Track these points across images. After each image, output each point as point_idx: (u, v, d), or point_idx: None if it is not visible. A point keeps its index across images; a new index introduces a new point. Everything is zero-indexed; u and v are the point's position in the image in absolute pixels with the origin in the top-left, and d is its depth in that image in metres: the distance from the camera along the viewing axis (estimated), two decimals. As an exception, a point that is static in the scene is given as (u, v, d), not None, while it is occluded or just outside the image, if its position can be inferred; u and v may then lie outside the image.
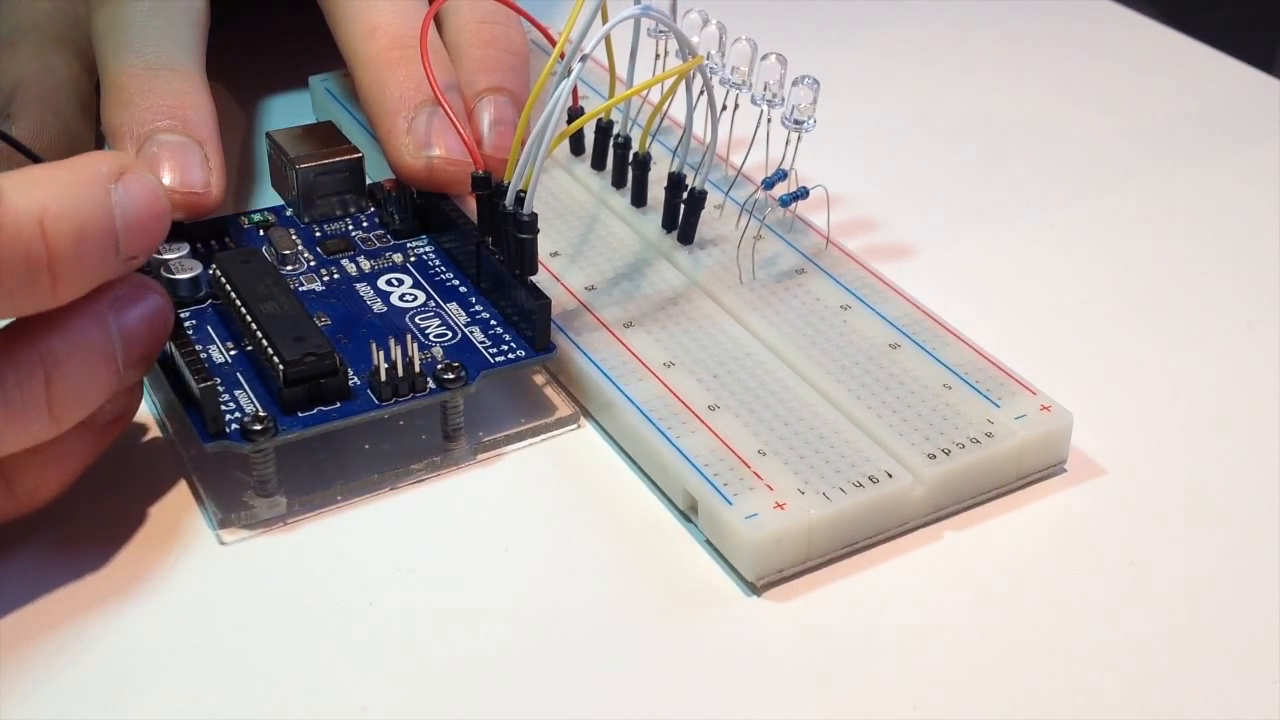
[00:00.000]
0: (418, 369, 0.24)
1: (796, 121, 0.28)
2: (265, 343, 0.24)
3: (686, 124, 0.28)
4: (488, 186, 0.26)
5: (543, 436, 0.26)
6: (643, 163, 0.29)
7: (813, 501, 0.23)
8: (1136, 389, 0.27)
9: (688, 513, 0.24)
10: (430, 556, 0.23)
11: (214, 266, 0.26)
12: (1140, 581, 0.23)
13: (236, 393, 0.24)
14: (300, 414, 0.24)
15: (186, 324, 0.25)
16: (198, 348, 0.24)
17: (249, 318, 0.24)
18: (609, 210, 0.30)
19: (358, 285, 0.27)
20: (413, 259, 0.28)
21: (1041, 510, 0.24)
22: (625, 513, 0.24)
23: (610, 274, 0.28)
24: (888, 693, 0.21)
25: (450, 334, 0.26)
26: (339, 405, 0.24)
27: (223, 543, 0.23)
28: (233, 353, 0.25)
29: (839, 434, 0.24)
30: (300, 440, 0.23)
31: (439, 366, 0.24)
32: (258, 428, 0.23)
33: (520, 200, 0.25)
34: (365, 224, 0.29)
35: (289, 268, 0.27)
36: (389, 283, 0.27)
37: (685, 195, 0.28)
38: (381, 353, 0.24)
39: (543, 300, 0.25)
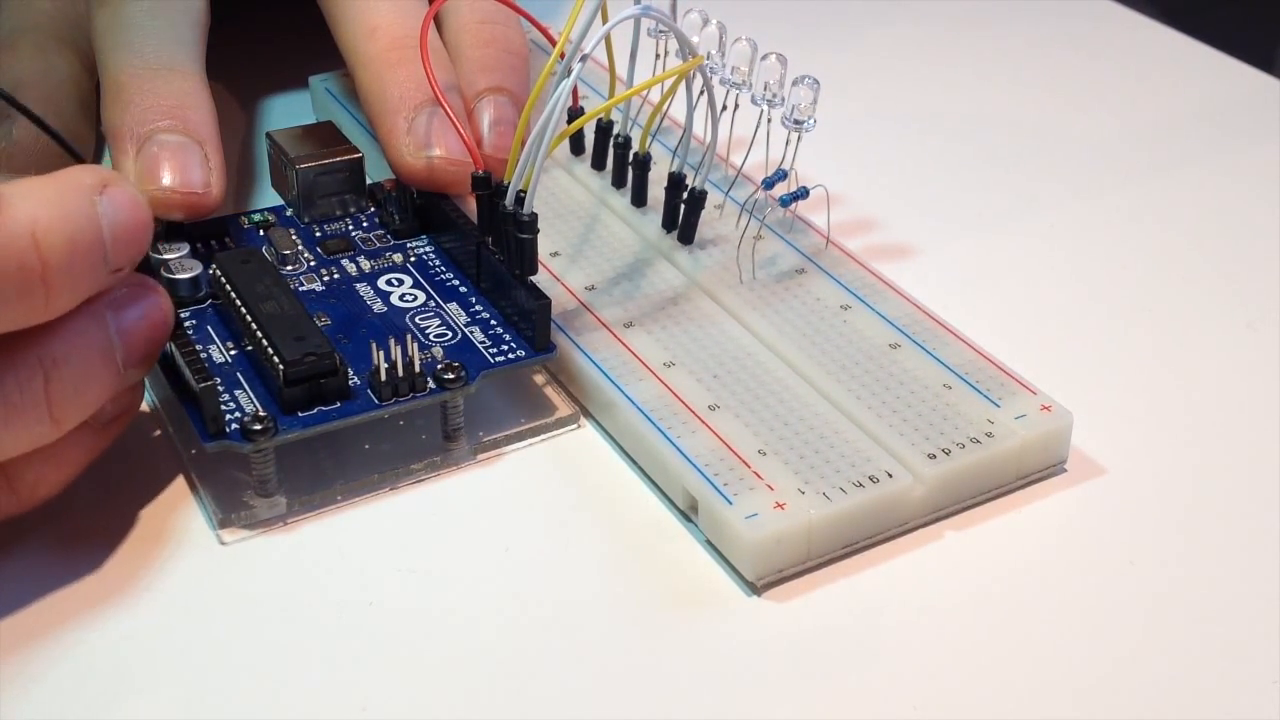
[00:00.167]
0: (418, 369, 0.24)
1: (796, 121, 0.28)
2: (265, 342, 0.24)
3: (686, 124, 0.28)
4: (488, 186, 0.26)
5: (543, 436, 0.26)
6: (643, 163, 0.29)
7: (813, 501, 0.23)
8: (1137, 389, 0.27)
9: (688, 512, 0.24)
10: (430, 556, 0.23)
11: (214, 266, 0.26)
12: (1140, 581, 0.23)
13: (236, 392, 0.24)
14: (300, 414, 0.24)
15: (186, 324, 0.25)
16: (198, 347, 0.24)
17: (249, 317, 0.24)
18: (609, 210, 0.30)
19: (358, 285, 0.27)
20: (413, 259, 0.28)
21: (1041, 510, 0.24)
22: (625, 512, 0.24)
23: (610, 274, 0.28)
24: (888, 693, 0.21)
25: (450, 334, 0.26)
26: (339, 405, 0.24)
27: (223, 543, 0.23)
28: (233, 353, 0.25)
29: (839, 434, 0.24)
30: (300, 440, 0.23)
31: (439, 366, 0.24)
32: (258, 428, 0.23)
33: (520, 200, 0.25)
34: (365, 224, 0.29)
35: (289, 268, 0.27)
36: (389, 283, 0.27)
37: (685, 195, 0.28)
38: (381, 353, 0.24)
39: (543, 300, 0.25)
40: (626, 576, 0.23)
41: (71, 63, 0.30)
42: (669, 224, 0.29)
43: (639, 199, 0.30)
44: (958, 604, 0.22)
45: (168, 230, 0.27)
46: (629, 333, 0.26)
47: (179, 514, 0.24)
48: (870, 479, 0.23)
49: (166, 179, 0.26)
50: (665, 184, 0.29)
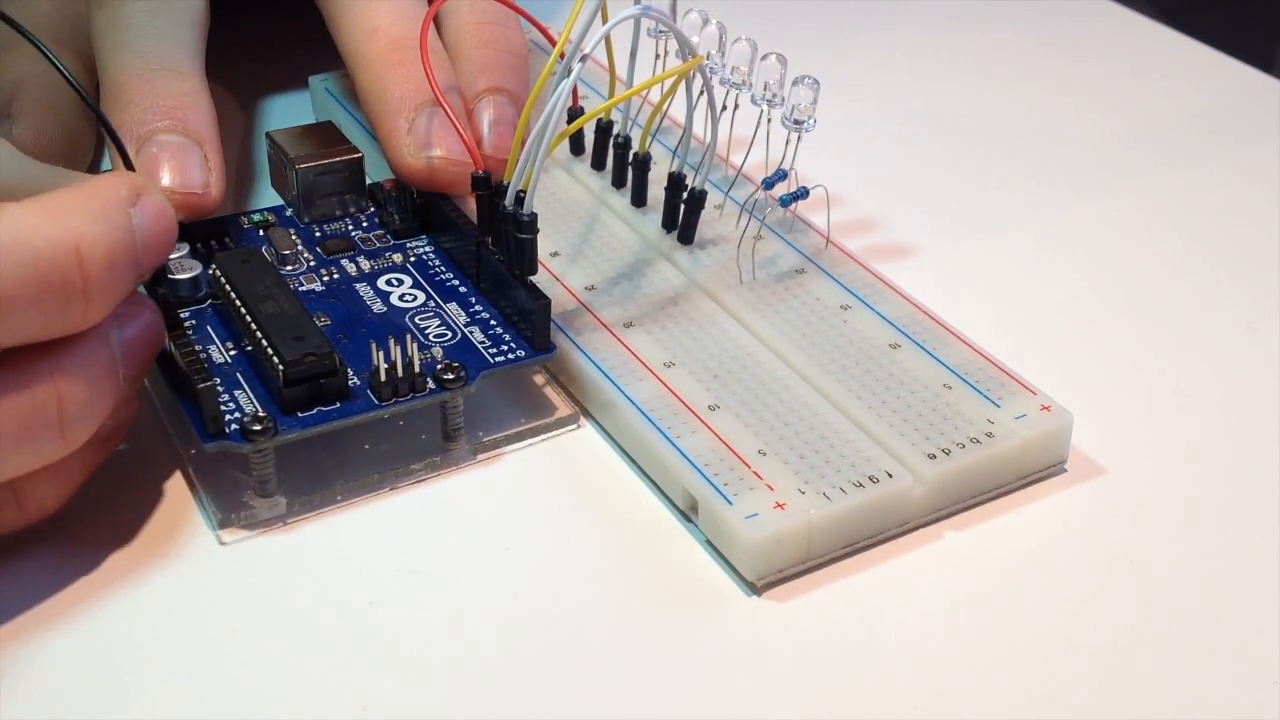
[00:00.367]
0: (417, 369, 0.24)
1: (796, 121, 0.28)
2: (265, 343, 0.24)
3: (686, 124, 0.28)
4: (487, 186, 0.26)
5: (543, 436, 0.26)
6: (643, 163, 0.29)
7: (813, 501, 0.23)
8: (1136, 389, 0.27)
9: (688, 513, 0.24)
10: (430, 556, 0.23)
11: (214, 266, 0.26)
12: (1140, 581, 0.23)
13: (236, 393, 0.24)
14: (300, 414, 0.24)
15: (186, 324, 0.25)
16: (198, 348, 0.24)
17: (249, 318, 0.24)
18: (609, 210, 0.30)
19: (357, 285, 0.27)
20: (412, 259, 0.28)
21: (1042, 510, 0.24)
22: (625, 513, 0.24)
23: (610, 274, 0.28)
24: (889, 693, 0.21)
25: (450, 334, 0.26)
26: (339, 405, 0.24)
27: (222, 543, 0.23)
28: (232, 353, 0.25)
29: (839, 434, 0.24)
30: (300, 440, 0.23)
31: (439, 366, 0.24)
32: (257, 428, 0.23)
33: (520, 200, 0.25)
34: (365, 224, 0.29)
35: (289, 268, 0.27)
36: (389, 283, 0.27)
37: (685, 195, 0.28)
38: (381, 353, 0.24)
39: (542, 300, 0.25)
40: (626, 576, 0.23)
41: (71, 63, 0.30)
42: (669, 224, 0.29)
43: (639, 199, 0.30)
44: (958, 604, 0.22)
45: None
46: (629, 333, 0.26)
47: (179, 514, 0.24)
48: (870, 479, 0.23)
49: (166, 179, 0.26)
50: (665, 184, 0.29)
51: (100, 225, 0.21)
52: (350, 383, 0.24)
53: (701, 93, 0.27)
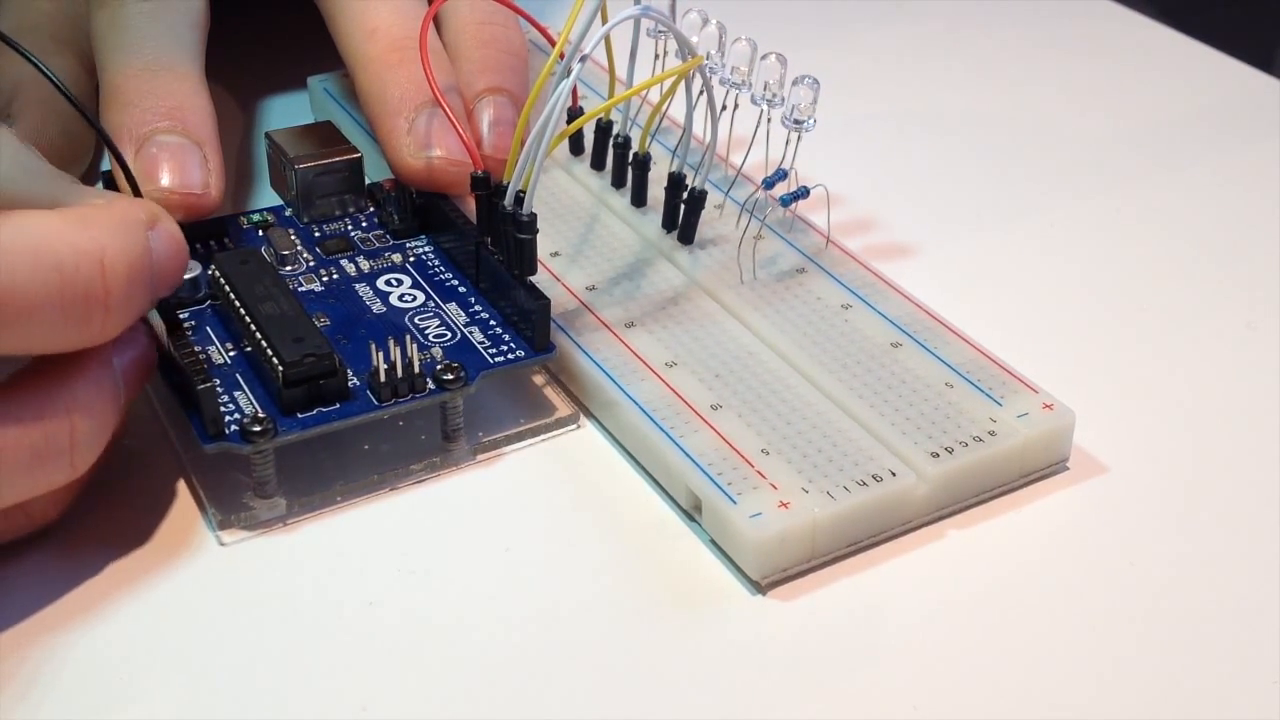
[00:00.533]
0: (417, 369, 0.24)
1: (796, 121, 0.28)
2: (264, 343, 0.24)
3: (686, 124, 0.28)
4: (487, 186, 0.26)
5: (543, 437, 0.25)
6: (642, 163, 0.29)
7: (817, 500, 0.23)
8: (1138, 388, 0.27)
9: (691, 512, 0.24)
10: (430, 556, 0.23)
11: (213, 267, 0.26)
12: (1141, 579, 0.23)
13: (236, 394, 0.24)
14: (300, 415, 0.23)
15: (186, 324, 0.25)
16: (197, 348, 0.24)
17: (248, 318, 0.24)
18: (609, 210, 0.30)
19: (357, 285, 0.27)
20: (412, 259, 0.28)
21: (1044, 508, 0.24)
22: (628, 512, 0.24)
23: (611, 274, 0.28)
24: (894, 691, 0.21)
25: (450, 334, 0.26)
26: (338, 406, 0.24)
27: (222, 544, 0.23)
28: (232, 353, 0.25)
29: (842, 433, 0.24)
30: (300, 441, 0.23)
31: (438, 367, 0.24)
32: (257, 429, 0.23)
33: (520, 200, 0.25)
34: (364, 224, 0.29)
35: (288, 268, 0.27)
36: (388, 283, 0.27)
37: (685, 195, 0.28)
38: (381, 353, 0.24)
39: (542, 300, 0.25)
40: (629, 576, 0.23)
41: (71, 63, 0.30)
42: (669, 224, 0.29)
43: (639, 199, 0.30)
44: (961, 602, 0.22)
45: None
46: (630, 332, 0.26)
47: (179, 515, 0.24)
48: (874, 478, 0.23)
49: (165, 180, 0.26)
50: (665, 184, 0.29)
51: (122, 239, 0.21)
52: (350, 383, 0.24)
53: (701, 93, 0.27)
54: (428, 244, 0.28)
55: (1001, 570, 0.23)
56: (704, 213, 0.28)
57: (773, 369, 0.25)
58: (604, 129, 0.31)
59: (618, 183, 0.30)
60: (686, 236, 0.29)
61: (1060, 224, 0.32)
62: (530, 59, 0.31)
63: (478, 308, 0.26)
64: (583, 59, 0.24)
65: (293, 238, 0.28)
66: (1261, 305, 0.29)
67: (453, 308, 0.26)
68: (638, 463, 0.25)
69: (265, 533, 0.23)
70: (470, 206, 0.27)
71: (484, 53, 0.29)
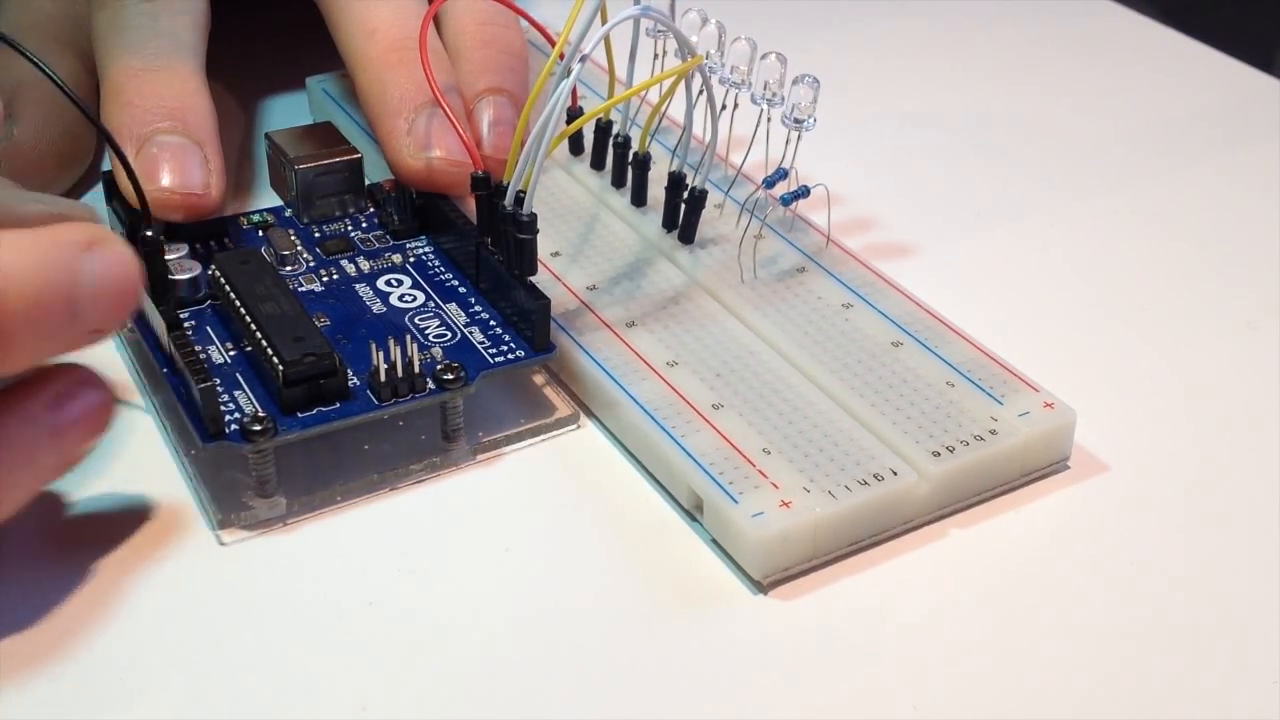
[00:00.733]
0: (417, 369, 0.24)
1: (796, 120, 0.28)
2: (265, 343, 0.24)
3: (686, 123, 0.28)
4: (487, 187, 0.26)
5: (543, 436, 0.25)
6: (642, 162, 0.29)
7: (818, 499, 0.22)
8: (1138, 387, 0.27)
9: (693, 511, 0.24)
10: (430, 556, 0.23)
11: (213, 267, 0.26)
12: (1142, 578, 0.23)
13: (236, 393, 0.24)
14: (300, 414, 0.23)
15: (186, 325, 0.25)
16: (197, 348, 0.24)
17: (248, 318, 0.24)
18: (609, 210, 0.30)
19: (357, 286, 0.27)
20: (412, 259, 0.28)
21: (1045, 507, 0.24)
22: (628, 512, 0.24)
23: (611, 274, 0.28)
24: (894, 691, 0.21)
25: (450, 334, 0.26)
26: (338, 406, 0.24)
27: (222, 543, 0.23)
28: (232, 353, 0.25)
29: (843, 432, 0.24)
30: (300, 440, 0.23)
31: (438, 367, 0.24)
32: (257, 428, 0.23)
33: (520, 200, 0.25)
34: (364, 224, 0.29)
35: (288, 268, 0.27)
36: (388, 283, 0.27)
37: (686, 195, 0.28)
38: (381, 353, 0.24)
39: (542, 300, 0.25)
40: (630, 575, 0.23)
41: (72, 63, 0.30)
42: (669, 224, 0.29)
43: (639, 199, 0.30)
44: (962, 602, 0.22)
45: (167, 231, 0.26)
46: (631, 332, 0.26)
47: (178, 515, 0.24)
48: (875, 477, 0.23)
49: (166, 180, 0.26)
50: (665, 184, 0.28)
51: (28, 260, 0.19)
52: (350, 383, 0.24)
53: (701, 92, 0.27)
54: (428, 244, 0.28)
55: (1002, 569, 0.23)
56: (704, 212, 0.28)
57: (774, 368, 0.25)
58: (604, 129, 0.31)
59: (618, 182, 0.30)
60: (687, 236, 0.28)
61: (1061, 223, 0.32)
62: (530, 59, 0.31)
63: (478, 308, 0.26)
64: (583, 59, 0.24)
65: (293, 238, 0.28)
66: (1262, 305, 0.29)
67: (453, 308, 0.26)
68: (639, 462, 0.25)
69: (265, 532, 0.23)
70: (470, 207, 0.27)
71: (484, 53, 0.29)
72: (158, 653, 0.21)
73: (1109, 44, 0.40)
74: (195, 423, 0.23)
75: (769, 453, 0.23)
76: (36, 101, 0.29)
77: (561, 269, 0.28)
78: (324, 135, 0.29)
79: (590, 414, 0.26)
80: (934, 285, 0.28)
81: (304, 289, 0.27)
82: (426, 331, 0.26)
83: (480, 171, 0.26)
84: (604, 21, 0.25)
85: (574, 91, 0.31)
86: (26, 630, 0.22)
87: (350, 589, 0.22)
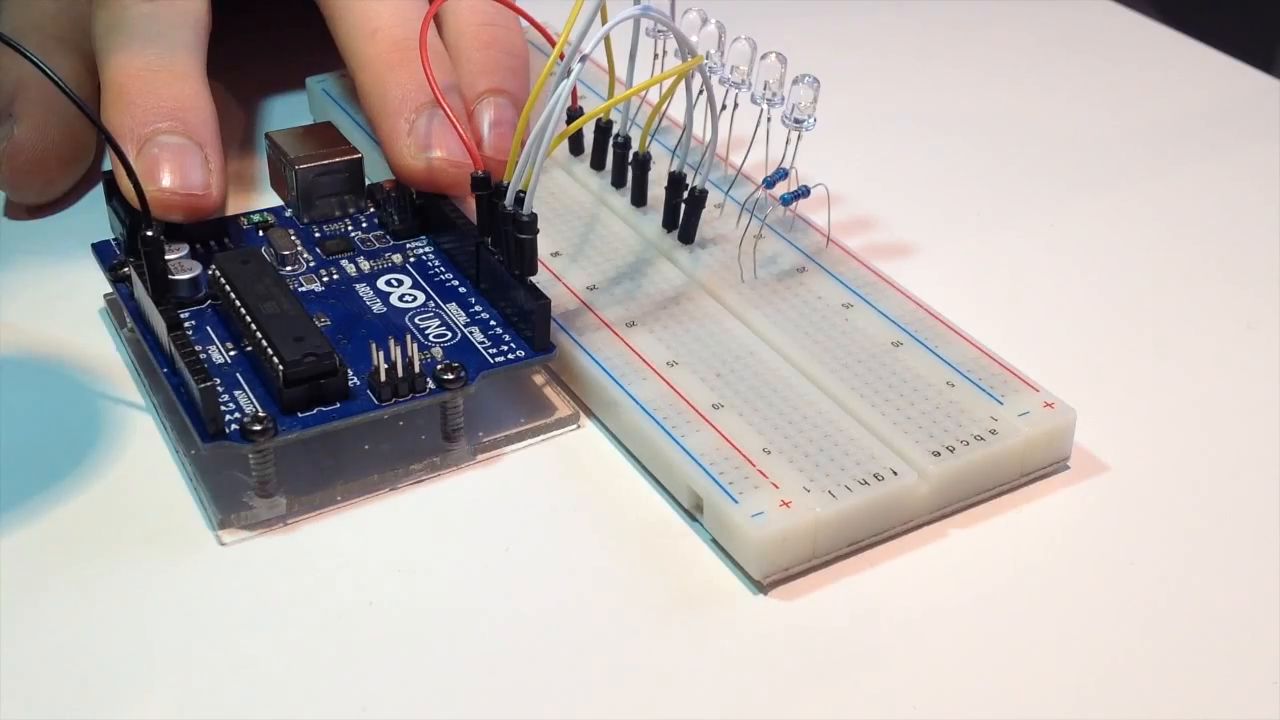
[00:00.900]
0: (417, 369, 0.24)
1: (797, 120, 0.28)
2: (265, 343, 0.24)
3: (686, 123, 0.28)
4: (487, 187, 0.26)
5: (543, 436, 0.25)
6: (642, 162, 0.29)
7: (818, 499, 0.22)
8: (1138, 386, 0.27)
9: (693, 511, 0.24)
10: (430, 556, 0.23)
11: (214, 267, 0.26)
12: (1142, 578, 0.23)
13: (236, 393, 0.24)
14: (300, 414, 0.23)
15: (186, 325, 0.25)
16: (197, 348, 0.24)
17: (249, 318, 0.24)
18: (609, 210, 0.30)
19: (357, 286, 0.27)
20: (412, 259, 0.28)
21: (1045, 507, 0.24)
22: (628, 512, 0.24)
23: (611, 273, 0.28)
24: (894, 691, 0.21)
25: (450, 334, 0.26)
26: (339, 405, 0.24)
27: (222, 543, 0.23)
28: (232, 353, 0.25)
29: (843, 432, 0.24)
30: (300, 440, 0.23)
31: (439, 367, 0.24)
32: (257, 428, 0.23)
33: (520, 200, 0.25)
34: (365, 225, 0.29)
35: (288, 268, 0.27)
36: (388, 283, 0.27)
37: (686, 195, 0.28)
38: (381, 353, 0.24)
39: (542, 300, 0.25)
40: (630, 575, 0.23)
41: (73, 63, 0.30)
42: (669, 223, 0.29)
43: (639, 199, 0.30)
44: (962, 601, 0.22)
45: (168, 231, 0.26)
46: (631, 332, 0.26)
47: (178, 515, 0.24)
48: (875, 476, 0.23)
49: (166, 180, 0.26)
50: (665, 184, 0.28)
51: None
52: (350, 383, 0.24)
53: (701, 92, 0.27)
54: (428, 244, 0.28)
55: (1002, 569, 0.23)
56: (704, 212, 0.28)
57: (774, 368, 0.25)
58: (604, 129, 0.31)
59: (618, 182, 0.30)
60: (687, 236, 0.28)
61: (1060, 223, 0.32)
62: (531, 59, 0.31)
63: (478, 308, 0.26)
64: (583, 59, 0.24)
65: (293, 238, 0.28)
66: (1262, 305, 0.29)
67: (453, 308, 0.26)
68: (639, 462, 0.25)
69: (265, 532, 0.23)
70: (470, 207, 0.27)
71: (485, 54, 0.29)
72: (158, 653, 0.21)
73: (1109, 44, 0.40)
74: (195, 423, 0.23)
75: (769, 453, 0.23)
76: (37, 101, 0.29)
77: (561, 269, 0.28)
78: (324, 135, 0.29)
79: (590, 414, 0.26)
80: (934, 285, 0.28)
81: (304, 289, 0.27)
82: (426, 331, 0.26)
83: (480, 171, 0.26)
84: (604, 21, 0.25)
85: (574, 91, 0.31)
86: (26, 630, 0.22)
87: (350, 589, 0.22)
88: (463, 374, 0.24)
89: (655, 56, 0.31)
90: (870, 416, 0.24)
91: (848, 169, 0.32)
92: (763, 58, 0.28)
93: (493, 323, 0.26)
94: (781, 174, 0.28)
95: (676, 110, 0.29)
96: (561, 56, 0.25)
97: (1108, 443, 0.25)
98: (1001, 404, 0.24)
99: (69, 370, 0.27)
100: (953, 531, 0.24)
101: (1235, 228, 0.32)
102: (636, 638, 0.22)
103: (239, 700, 0.21)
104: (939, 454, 0.23)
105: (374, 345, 0.24)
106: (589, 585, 0.23)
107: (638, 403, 0.24)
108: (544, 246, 0.28)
